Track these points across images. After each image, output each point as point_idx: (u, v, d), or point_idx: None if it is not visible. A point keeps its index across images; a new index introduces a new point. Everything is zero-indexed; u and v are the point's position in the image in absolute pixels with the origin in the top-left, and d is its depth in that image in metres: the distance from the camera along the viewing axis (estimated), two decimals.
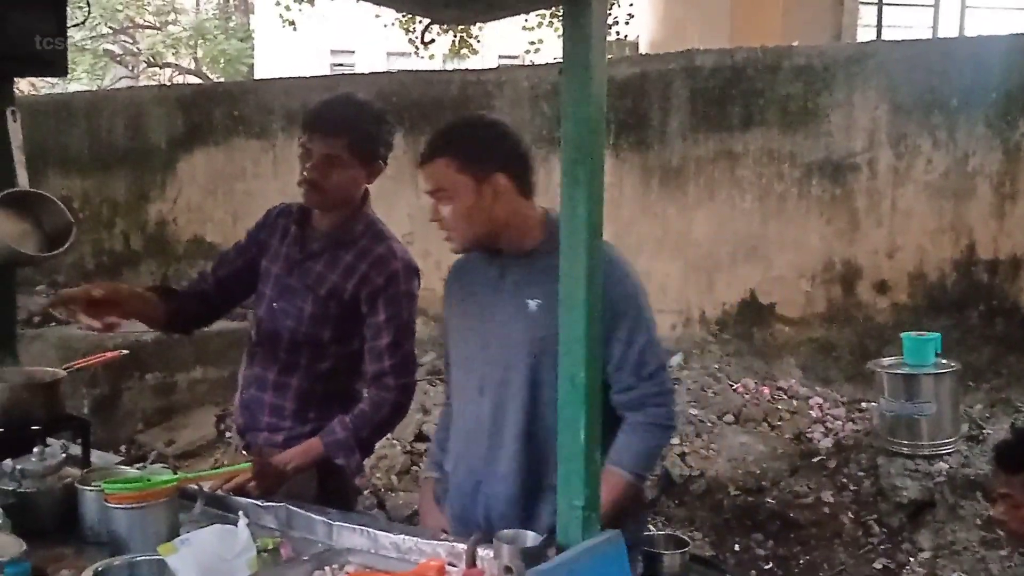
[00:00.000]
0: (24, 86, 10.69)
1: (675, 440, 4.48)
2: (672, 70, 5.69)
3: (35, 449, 1.98)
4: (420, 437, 4.89)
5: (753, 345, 5.48)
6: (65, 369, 2.28)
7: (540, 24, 9.66)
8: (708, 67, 5.64)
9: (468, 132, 1.98)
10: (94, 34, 20.24)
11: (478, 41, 10.30)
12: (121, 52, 21.36)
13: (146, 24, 21.42)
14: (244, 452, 2.23)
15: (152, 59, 20.83)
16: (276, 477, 2.04)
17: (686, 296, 5.69)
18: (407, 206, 6.60)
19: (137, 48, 21.27)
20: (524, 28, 9.75)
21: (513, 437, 1.92)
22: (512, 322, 1.91)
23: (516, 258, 1.95)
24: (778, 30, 7.00)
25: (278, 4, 9.91)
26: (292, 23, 9.79)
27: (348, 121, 2.15)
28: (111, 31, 20.75)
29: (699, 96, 5.66)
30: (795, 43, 5.75)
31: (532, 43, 9.37)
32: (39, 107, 8.44)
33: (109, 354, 2.40)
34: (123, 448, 5.07)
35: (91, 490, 1.87)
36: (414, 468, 4.69)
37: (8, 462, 1.94)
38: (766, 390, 5.00)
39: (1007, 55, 5.01)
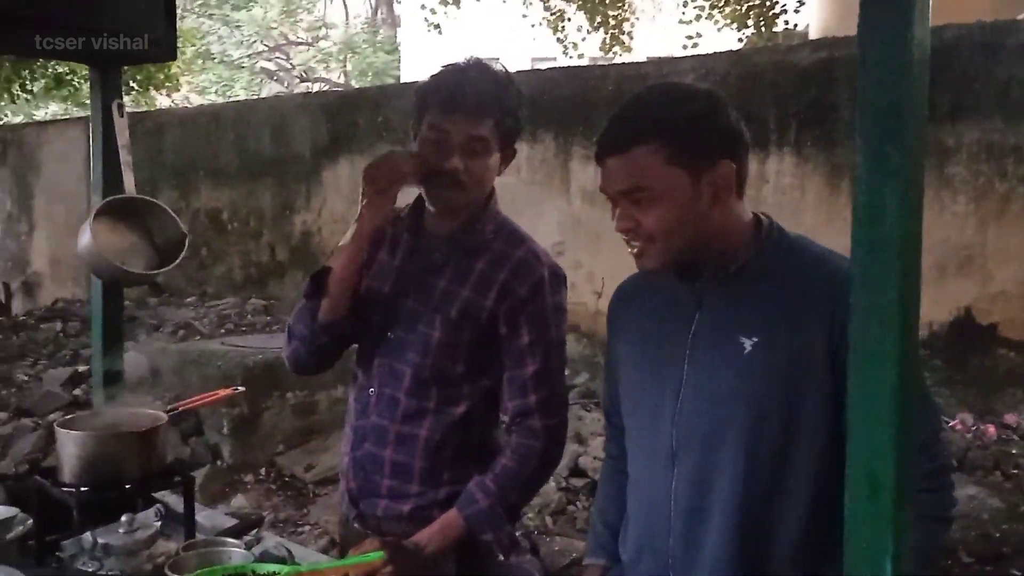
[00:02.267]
0: (178, 98, 10.95)
1: None
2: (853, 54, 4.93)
3: (123, 518, 1.59)
4: (577, 472, 4.37)
5: (968, 373, 4.64)
6: (169, 412, 1.89)
7: (699, 17, 8.98)
8: None
9: (679, 109, 1.40)
10: (251, 52, 21.01)
11: (631, 38, 9.72)
12: (276, 69, 22.11)
13: (299, 41, 22.08)
14: (357, 526, 1.77)
15: (304, 74, 21.43)
16: (414, 565, 1.56)
17: None
18: (557, 212, 6.13)
19: (290, 64, 21.94)
20: (681, 22, 9.11)
21: (724, 519, 1.40)
22: (719, 368, 1.40)
23: (719, 281, 1.43)
24: (987, 4, 6.07)
25: (423, 8, 9.69)
26: (437, 27, 9.54)
27: (495, 97, 1.66)
28: (266, 48, 21.49)
29: None
30: (1020, 16, 4.87)
31: (690, 37, 8.71)
32: (190, 119, 8.51)
33: (222, 392, 2.00)
34: (262, 471, 4.81)
35: None
36: (571, 508, 4.17)
37: (88, 537, 1.55)
38: (991, 429, 4.18)
39: None
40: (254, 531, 1.84)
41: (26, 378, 5.74)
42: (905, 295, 0.97)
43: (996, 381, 4.57)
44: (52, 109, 15.87)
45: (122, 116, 2.07)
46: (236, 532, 1.78)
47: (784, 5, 8.49)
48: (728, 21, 8.99)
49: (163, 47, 2.03)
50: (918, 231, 0.99)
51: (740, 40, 8.85)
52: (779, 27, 8.54)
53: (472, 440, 1.72)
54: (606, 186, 1.41)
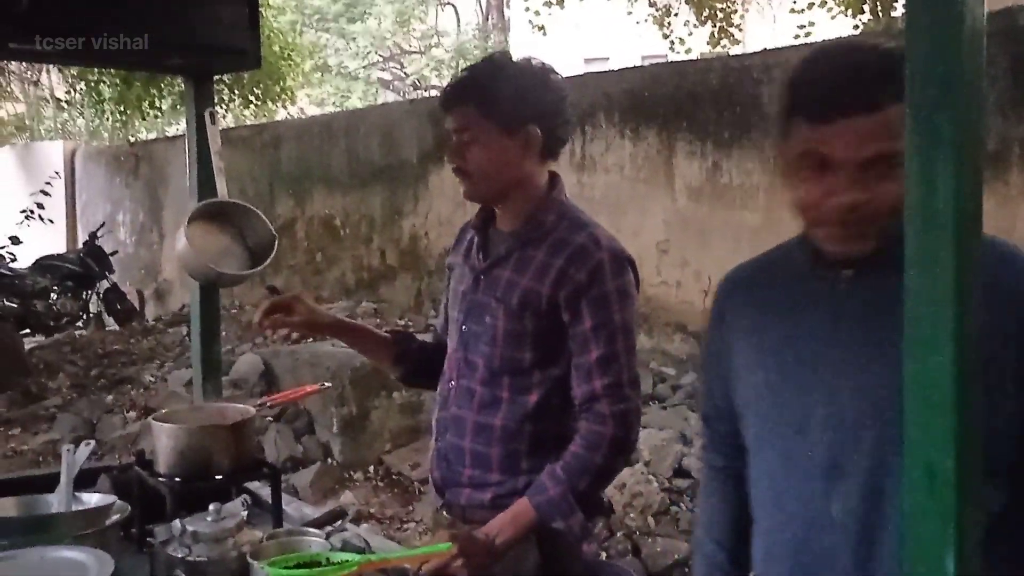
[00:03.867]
0: (294, 111, 11.39)
1: None
2: (989, 33, 4.66)
3: (211, 507, 1.66)
4: (681, 472, 4.29)
5: None
6: (258, 407, 1.97)
7: (811, 5, 8.67)
8: None
9: None
10: (366, 63, 21.64)
11: (740, 30, 9.48)
12: (391, 79, 22.69)
13: (412, 50, 22.58)
14: (444, 513, 1.81)
15: (417, 83, 21.90)
16: (485, 556, 1.58)
17: None
18: (662, 210, 6.04)
19: (404, 73, 22.47)
20: (792, 11, 8.82)
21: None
22: (879, 367, 1.18)
23: (871, 266, 1.21)
24: None
25: (527, 10, 9.73)
26: (542, 28, 9.57)
27: (472, 82, 1.71)
28: (381, 59, 22.08)
29: None
30: None
31: (802, 26, 8.41)
32: (304, 130, 8.83)
33: (310, 388, 2.07)
34: (371, 469, 4.94)
35: (262, 566, 1.51)
36: (673, 508, 4.11)
37: (177, 524, 1.63)
38: None
39: None
40: (338, 522, 1.89)
41: (153, 379, 6.09)
42: (961, 275, 0.91)
43: None
44: (182, 126, 16.81)
45: (214, 124, 2.17)
46: (320, 523, 1.84)
47: None
48: (842, 8, 8.64)
49: (249, 57, 2.12)
50: (976, 207, 0.92)
51: (856, 27, 8.49)
52: (897, 12, 8.14)
53: (548, 429, 1.73)
54: (844, 150, 1.15)
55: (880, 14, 8.30)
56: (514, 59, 1.76)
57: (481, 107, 1.68)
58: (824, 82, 1.18)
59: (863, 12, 8.31)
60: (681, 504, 4.13)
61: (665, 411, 5.13)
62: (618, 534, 3.90)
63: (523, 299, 1.69)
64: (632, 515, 4.00)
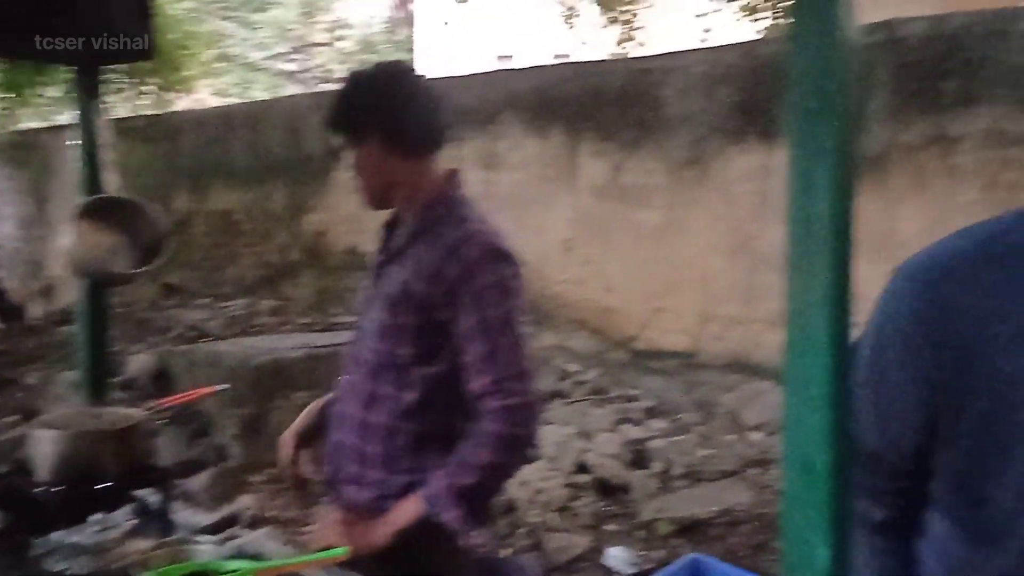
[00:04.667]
0: (194, 102, 11.04)
1: None
2: (871, 44, 4.88)
3: (94, 516, 1.60)
4: (583, 468, 4.35)
5: None
6: (149, 410, 1.91)
7: (715, 10, 8.92)
8: (916, 37, 4.79)
9: None
10: (270, 53, 21.15)
11: (643, 32, 9.67)
12: (296, 70, 22.24)
13: (318, 42, 22.19)
14: (333, 510, 1.80)
15: (324, 75, 21.53)
16: (374, 551, 1.59)
17: None
18: (566, 208, 6.11)
19: (310, 65, 22.06)
20: (697, 16, 9.05)
21: None
22: None
23: None
24: None
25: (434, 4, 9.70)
26: (447, 23, 9.54)
27: (330, 106, 1.76)
28: (285, 50, 21.62)
29: (905, 72, 4.82)
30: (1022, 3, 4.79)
31: (708, 31, 8.65)
32: (204, 121, 8.57)
33: (206, 390, 2.02)
34: (270, 471, 4.83)
35: None
36: (575, 503, 4.16)
37: (58, 535, 1.57)
38: None
39: None
40: (233, 528, 1.84)
41: (37, 381, 5.81)
42: (838, 276, 0.96)
43: None
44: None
45: (103, 115, 2.09)
46: (214, 530, 1.79)
47: None
48: (744, 13, 8.92)
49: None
50: (851, 211, 0.97)
51: (758, 32, 8.77)
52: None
53: (431, 427, 1.71)
54: None
55: (779, 19, 8.59)
56: (365, 70, 1.78)
57: (337, 127, 1.76)
58: None
59: (763, 18, 8.60)
60: (582, 498, 4.19)
61: (568, 407, 5.20)
62: (521, 530, 3.93)
63: (402, 295, 1.68)
64: (535, 511, 4.04)
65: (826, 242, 0.95)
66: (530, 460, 1.78)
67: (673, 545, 3.65)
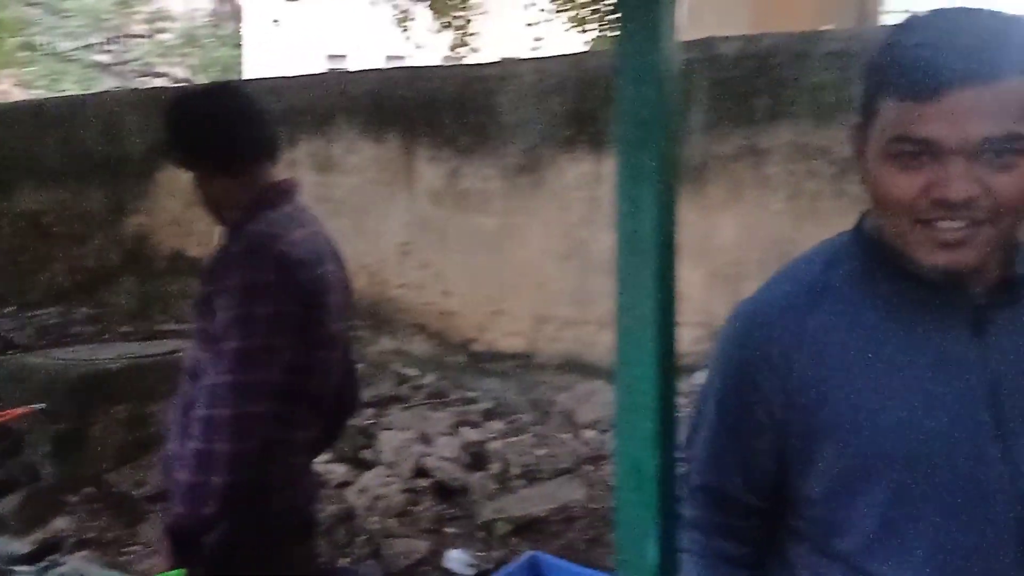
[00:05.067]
0: None
1: None
2: (689, 59, 5.18)
3: None
4: (422, 473, 4.37)
5: None
6: None
7: (549, 20, 9.17)
8: (731, 55, 5.13)
9: None
10: (81, 44, 19.84)
11: (476, 38, 9.80)
12: (111, 62, 20.96)
13: (136, 33, 21.02)
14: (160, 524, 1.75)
15: (143, 69, 20.43)
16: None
17: (710, 307, 5.16)
18: (402, 213, 6.11)
19: (127, 58, 20.86)
20: (528, 24, 9.26)
21: None
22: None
23: (1010, 297, 1.03)
24: (803, 15, 6.50)
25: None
26: (277, 21, 9.31)
27: (189, 143, 1.78)
28: (99, 41, 20.34)
29: (721, 88, 5.15)
30: (828, 27, 5.23)
31: (539, 40, 8.87)
32: (10, 115, 7.96)
33: (17, 411, 1.88)
34: (88, 490, 4.55)
35: None
36: (415, 508, 4.17)
37: None
38: None
39: None
40: (52, 556, 1.74)
41: None
42: (663, 293, 1.03)
43: None
44: None
45: None
46: (30, 559, 1.69)
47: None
48: (573, 24, 9.21)
49: None
50: (673, 233, 1.05)
51: (586, 43, 9.09)
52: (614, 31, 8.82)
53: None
54: (951, 129, 0.90)
55: (606, 31, 8.94)
56: (188, 95, 1.81)
57: (168, 155, 1.81)
58: (926, 51, 0.91)
59: (591, 30, 8.92)
60: (421, 504, 4.21)
61: (406, 412, 5.20)
62: (360, 538, 3.90)
63: (201, 301, 1.68)
64: (374, 518, 4.02)
65: (652, 258, 1.02)
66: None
67: (512, 544, 3.73)
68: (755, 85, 5.06)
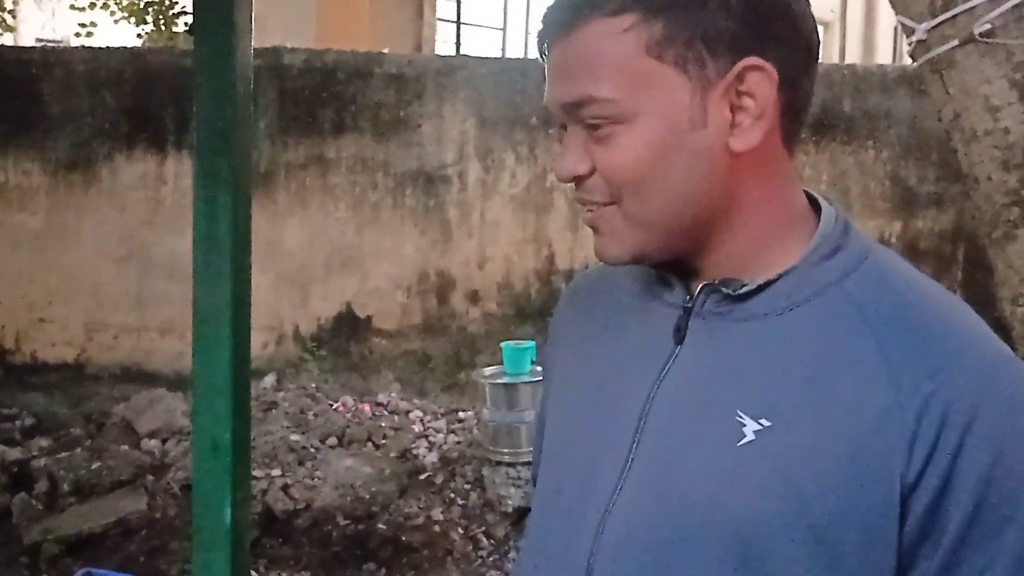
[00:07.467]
0: None
1: (276, 471, 4.09)
2: (256, 67, 5.25)
3: None
4: None
5: (351, 360, 5.26)
6: None
7: (93, 5, 8.45)
8: (297, 67, 5.31)
9: None
10: None
11: (13, 17, 8.72)
12: None
13: None
14: None
15: None
16: None
17: (278, 311, 5.30)
18: None
19: None
20: (73, 8, 8.47)
21: None
22: (695, 455, 0.74)
23: (721, 303, 0.77)
24: (364, 36, 6.88)
25: None
26: None
27: None
28: None
29: (288, 97, 5.31)
30: (385, 50, 5.67)
31: (83, 25, 8.14)
32: None
33: None
34: None
35: None
36: None
37: None
38: (367, 407, 4.80)
39: None
40: None
41: None
42: (238, 287, 1.16)
43: (372, 366, 5.26)
44: None
45: None
46: None
47: (184, 7, 8.46)
48: (126, 15, 8.63)
49: None
50: (248, 232, 1.19)
51: (139, 36, 8.56)
52: (180, 28, 8.48)
53: None
54: (548, 96, 0.76)
55: (163, 27, 8.54)
56: None
57: None
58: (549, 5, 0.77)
59: (146, 22, 8.46)
60: None
61: None
62: None
63: None
64: None
65: (227, 256, 1.15)
66: None
67: (66, 565, 3.50)
68: (321, 98, 5.30)
